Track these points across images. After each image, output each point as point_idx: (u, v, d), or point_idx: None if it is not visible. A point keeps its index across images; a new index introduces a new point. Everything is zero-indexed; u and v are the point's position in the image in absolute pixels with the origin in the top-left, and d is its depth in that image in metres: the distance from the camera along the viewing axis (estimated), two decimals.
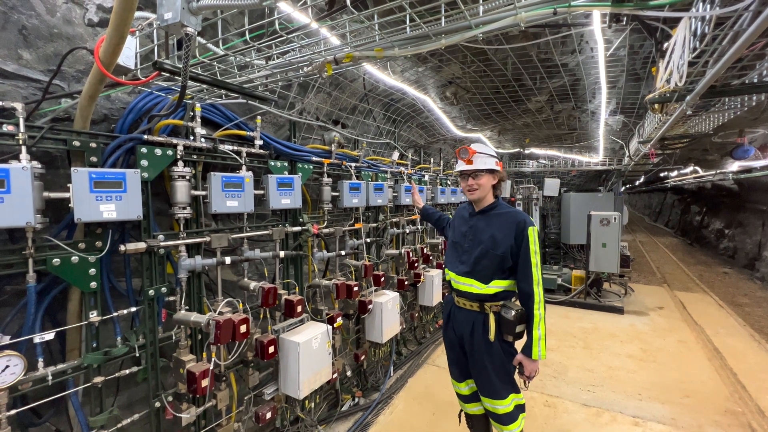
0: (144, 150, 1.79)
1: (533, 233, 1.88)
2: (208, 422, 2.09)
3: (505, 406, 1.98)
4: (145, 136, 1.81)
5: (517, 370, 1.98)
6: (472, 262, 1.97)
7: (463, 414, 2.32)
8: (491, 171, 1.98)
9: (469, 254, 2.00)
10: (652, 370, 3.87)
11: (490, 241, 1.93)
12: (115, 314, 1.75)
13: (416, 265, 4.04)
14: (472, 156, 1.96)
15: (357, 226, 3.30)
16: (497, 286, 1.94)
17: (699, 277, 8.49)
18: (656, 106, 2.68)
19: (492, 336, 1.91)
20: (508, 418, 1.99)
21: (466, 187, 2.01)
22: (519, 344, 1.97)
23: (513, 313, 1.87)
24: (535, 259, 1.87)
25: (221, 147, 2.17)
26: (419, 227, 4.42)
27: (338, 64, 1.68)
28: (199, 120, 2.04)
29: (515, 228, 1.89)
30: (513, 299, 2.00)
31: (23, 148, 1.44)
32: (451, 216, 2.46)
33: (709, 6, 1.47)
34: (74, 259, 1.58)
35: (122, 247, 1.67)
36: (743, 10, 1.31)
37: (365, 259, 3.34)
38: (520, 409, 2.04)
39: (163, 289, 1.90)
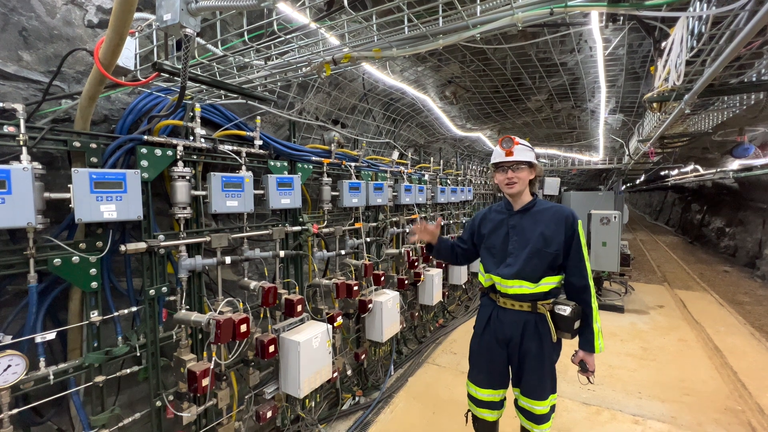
0: (144, 150, 1.80)
1: (581, 227, 1.85)
2: (209, 421, 2.10)
3: (544, 406, 1.93)
4: (145, 137, 1.81)
5: (579, 369, 1.91)
6: (521, 263, 1.84)
7: (470, 415, 2.20)
8: (530, 165, 1.88)
9: (515, 256, 1.87)
10: (652, 369, 3.87)
11: (540, 240, 1.82)
12: (115, 314, 1.76)
13: (416, 264, 4.05)
14: (514, 147, 1.84)
15: (357, 225, 3.31)
16: (548, 283, 1.85)
17: (699, 275, 8.49)
18: (655, 105, 2.69)
19: (554, 336, 1.82)
20: (544, 418, 1.96)
21: (505, 180, 1.88)
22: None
23: (569, 309, 1.78)
24: (586, 252, 1.84)
25: (221, 147, 2.18)
26: None
27: (337, 65, 1.69)
28: (198, 120, 2.04)
29: (564, 223, 1.83)
30: (561, 296, 1.92)
31: (24, 149, 1.45)
32: (455, 237, 2.28)
33: (705, 5, 1.48)
34: (75, 259, 1.59)
35: (123, 247, 1.68)
36: (739, 9, 1.31)
37: (365, 258, 3.35)
38: (553, 409, 2.01)
39: (163, 288, 1.91)
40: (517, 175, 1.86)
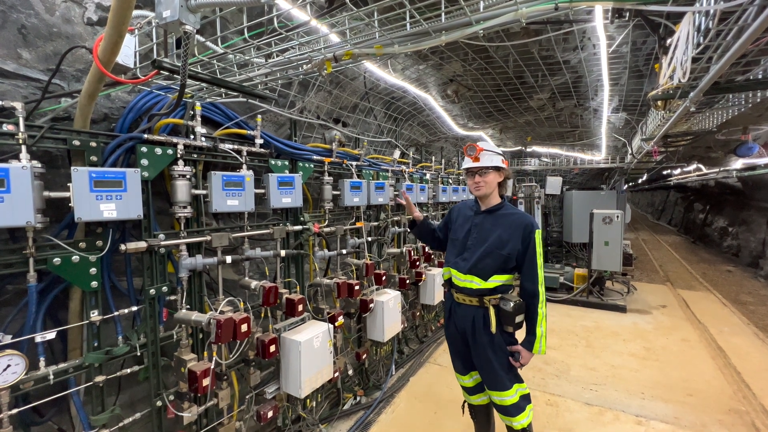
0: (144, 149, 1.79)
1: (539, 236, 1.98)
2: (210, 421, 2.09)
3: (511, 396, 2.01)
4: (145, 135, 1.80)
5: (511, 356, 2.04)
6: (474, 259, 2.00)
7: (466, 405, 2.37)
8: (497, 169, 2.02)
9: (472, 252, 2.03)
10: (655, 369, 3.85)
11: (496, 241, 1.97)
12: (116, 313, 1.75)
13: (418, 263, 4.04)
14: (479, 153, 1.99)
15: (358, 224, 3.30)
16: (496, 280, 1.99)
17: (702, 275, 8.45)
18: (659, 103, 2.66)
19: (494, 328, 1.95)
20: (516, 409, 2.02)
21: (473, 184, 2.04)
22: (518, 334, 2.05)
23: (511, 304, 1.93)
24: (540, 260, 1.97)
25: (221, 146, 2.17)
26: None
27: (338, 62, 1.67)
28: (199, 119, 2.03)
29: (522, 230, 1.95)
30: (510, 292, 2.06)
31: (23, 148, 1.44)
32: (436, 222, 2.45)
33: (713, 0, 1.45)
34: (75, 258, 1.58)
35: (123, 247, 1.67)
36: (748, 5, 1.29)
37: (366, 257, 3.33)
38: (526, 399, 2.07)
39: (164, 288, 1.90)
40: (484, 179, 2.01)
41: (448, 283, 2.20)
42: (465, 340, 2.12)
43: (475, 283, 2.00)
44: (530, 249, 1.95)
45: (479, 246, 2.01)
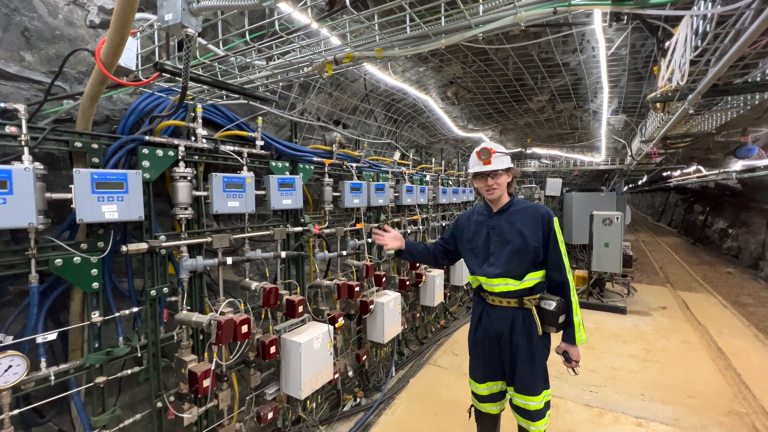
0: (145, 151, 1.80)
1: (557, 223, 1.92)
2: (210, 422, 2.09)
3: (538, 402, 1.96)
4: (147, 137, 1.81)
5: (563, 359, 1.98)
6: (503, 262, 1.93)
7: (473, 409, 2.29)
8: (507, 169, 1.97)
9: (497, 255, 1.96)
10: (656, 371, 3.85)
11: (519, 238, 1.91)
12: (117, 314, 1.76)
13: (418, 265, 4.04)
14: (491, 156, 1.93)
15: (358, 226, 3.30)
16: (532, 278, 1.92)
17: (702, 276, 8.45)
18: (658, 105, 2.67)
19: (540, 329, 1.89)
20: (539, 415, 1.98)
21: (485, 187, 1.98)
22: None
23: (554, 304, 1.86)
24: (563, 247, 1.91)
25: (222, 148, 2.18)
26: (421, 227, 4.42)
27: (338, 65, 1.68)
28: (200, 121, 2.04)
29: (541, 221, 1.91)
30: (545, 291, 2.00)
31: (26, 149, 1.45)
32: (431, 242, 2.35)
33: (710, 4, 1.46)
34: (76, 259, 1.59)
35: (124, 248, 1.68)
36: (745, 8, 1.30)
37: (367, 259, 3.34)
38: (548, 405, 2.03)
39: (164, 289, 1.91)
40: (496, 181, 1.95)
41: (479, 289, 2.09)
42: (497, 345, 2.01)
43: (510, 285, 1.92)
44: (552, 238, 1.89)
45: (503, 247, 1.94)
